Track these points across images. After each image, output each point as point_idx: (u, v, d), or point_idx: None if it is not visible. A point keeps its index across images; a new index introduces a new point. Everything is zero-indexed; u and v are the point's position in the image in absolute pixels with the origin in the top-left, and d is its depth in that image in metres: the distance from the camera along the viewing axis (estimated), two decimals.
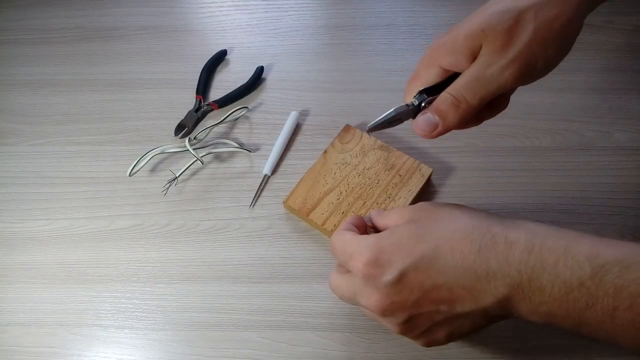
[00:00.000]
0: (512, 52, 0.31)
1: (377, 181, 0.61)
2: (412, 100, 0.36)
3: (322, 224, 0.58)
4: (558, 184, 0.63)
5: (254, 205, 0.63)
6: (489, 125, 0.76)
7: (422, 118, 0.35)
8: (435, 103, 0.34)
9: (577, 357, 0.52)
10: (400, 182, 0.60)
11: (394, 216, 0.37)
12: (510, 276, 0.29)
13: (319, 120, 0.71)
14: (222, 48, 0.78)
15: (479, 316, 0.32)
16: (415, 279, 0.31)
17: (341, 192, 0.60)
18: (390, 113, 0.36)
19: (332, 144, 0.65)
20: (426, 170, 0.61)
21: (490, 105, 0.36)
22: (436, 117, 0.34)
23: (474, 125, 0.38)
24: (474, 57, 0.33)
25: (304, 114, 0.71)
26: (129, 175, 0.64)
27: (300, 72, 0.76)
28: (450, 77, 0.34)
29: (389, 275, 0.32)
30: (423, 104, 0.35)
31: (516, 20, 0.31)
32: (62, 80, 0.77)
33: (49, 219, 0.64)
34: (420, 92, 0.36)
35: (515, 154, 0.65)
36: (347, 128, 0.66)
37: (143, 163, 0.65)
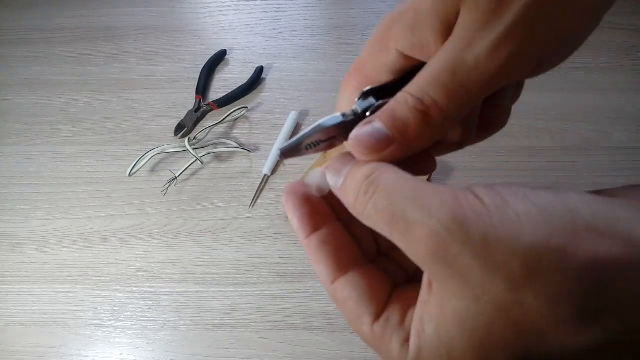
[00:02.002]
0: (508, 17, 0.17)
1: None
2: (354, 107, 0.21)
3: None
4: (558, 184, 0.63)
5: (253, 205, 0.63)
6: None
7: (366, 128, 0.19)
8: (387, 107, 0.19)
9: None
10: None
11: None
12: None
13: None
14: (222, 48, 0.78)
15: None
16: None
17: None
18: (314, 129, 0.20)
19: None
20: None
21: (481, 116, 0.23)
22: (388, 129, 0.19)
23: (453, 150, 0.24)
24: (447, 32, 0.19)
25: (304, 114, 0.71)
26: (129, 175, 0.64)
27: (300, 72, 0.76)
28: (412, 72, 0.20)
29: None
30: (368, 113, 0.20)
31: None
32: (62, 80, 0.77)
33: (48, 219, 0.64)
34: (365, 94, 0.21)
35: (515, 154, 0.65)
36: None
37: (143, 163, 0.65)
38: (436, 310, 0.17)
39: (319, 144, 0.21)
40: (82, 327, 0.56)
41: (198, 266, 0.59)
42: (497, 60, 0.18)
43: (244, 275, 0.58)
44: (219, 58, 0.77)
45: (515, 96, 0.24)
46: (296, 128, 0.70)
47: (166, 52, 0.79)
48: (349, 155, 0.20)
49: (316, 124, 0.20)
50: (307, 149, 0.21)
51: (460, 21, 0.18)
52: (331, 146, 0.21)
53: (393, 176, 0.18)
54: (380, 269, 0.21)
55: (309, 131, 0.20)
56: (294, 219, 0.21)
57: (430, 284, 0.18)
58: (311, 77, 0.75)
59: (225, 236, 0.61)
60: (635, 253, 0.15)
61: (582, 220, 0.15)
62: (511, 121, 0.76)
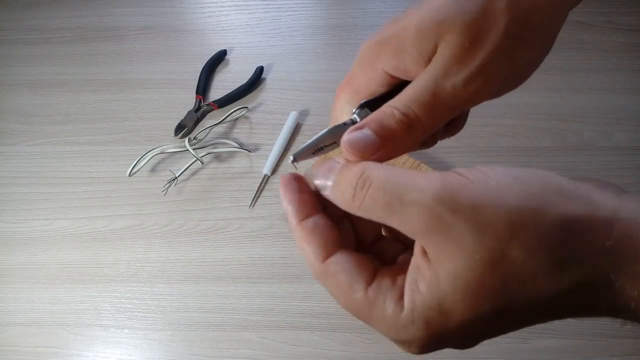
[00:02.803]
0: (479, 57, 0.22)
1: None
2: (352, 116, 0.25)
3: None
4: None
5: (253, 205, 0.63)
6: (489, 125, 0.76)
7: (356, 134, 0.23)
8: (375, 116, 0.23)
9: (576, 357, 0.52)
10: None
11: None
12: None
13: (319, 120, 0.71)
14: (222, 48, 0.78)
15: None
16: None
17: None
18: (321, 136, 0.25)
19: None
20: (426, 170, 0.61)
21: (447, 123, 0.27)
22: (377, 135, 0.23)
23: (426, 148, 0.29)
24: (427, 60, 0.23)
25: (304, 114, 0.71)
26: (129, 175, 0.64)
27: (300, 72, 0.76)
28: (399, 86, 0.25)
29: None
30: None
31: (483, 11, 0.22)
32: (62, 80, 0.77)
33: (48, 219, 0.64)
34: (362, 106, 0.25)
35: (515, 154, 0.65)
36: None
37: (143, 163, 0.65)
38: (430, 272, 0.20)
39: (323, 149, 0.25)
40: (82, 327, 0.56)
41: (198, 266, 0.59)
42: (469, 91, 0.23)
43: (244, 275, 0.58)
44: (219, 58, 0.77)
45: None
46: (296, 128, 0.70)
47: (166, 52, 0.79)
48: (331, 161, 0.24)
49: (324, 131, 0.25)
50: (314, 153, 0.25)
51: (439, 53, 0.23)
52: (334, 147, 0.25)
53: (382, 170, 0.21)
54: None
55: (317, 138, 0.25)
56: (290, 204, 0.23)
57: (424, 252, 0.20)
58: (311, 77, 0.75)
59: (225, 236, 0.61)
60: (594, 211, 0.19)
61: (551, 186, 0.19)
62: (511, 121, 0.76)
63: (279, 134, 0.68)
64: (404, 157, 0.62)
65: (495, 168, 0.20)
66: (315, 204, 0.24)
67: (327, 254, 0.22)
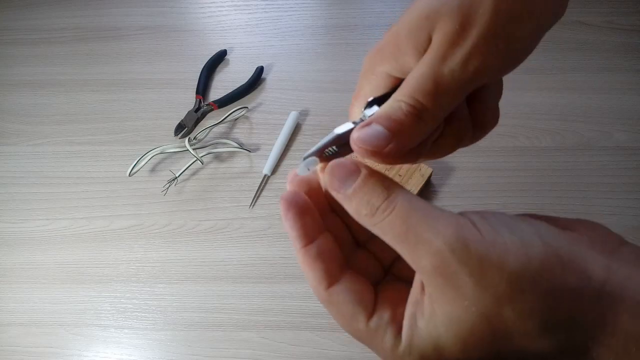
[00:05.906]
0: (472, 37, 0.22)
1: None
2: (361, 115, 0.25)
3: None
4: (558, 184, 0.63)
5: (253, 205, 0.63)
6: None
7: (366, 130, 0.23)
8: (383, 111, 0.23)
9: None
10: (400, 182, 0.60)
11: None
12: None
13: (319, 120, 0.71)
14: (222, 48, 0.78)
15: None
16: None
17: None
18: (331, 136, 0.24)
19: None
20: (426, 171, 0.61)
21: (474, 117, 0.27)
22: (386, 129, 0.23)
23: (455, 149, 0.28)
24: (423, 53, 0.23)
25: (304, 114, 0.71)
26: (129, 175, 0.64)
27: (300, 72, 0.76)
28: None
29: None
30: None
31: None
32: (62, 80, 0.77)
33: (49, 219, 0.64)
34: (370, 103, 0.25)
35: (515, 154, 0.65)
36: None
37: (143, 163, 0.65)
38: (429, 310, 0.21)
39: (335, 152, 0.24)
40: (82, 327, 0.56)
41: (198, 266, 0.59)
42: (467, 72, 0.22)
43: (244, 275, 0.58)
44: (219, 58, 0.77)
45: (498, 94, 0.27)
46: (296, 128, 0.70)
47: (166, 52, 0.79)
48: (350, 164, 0.23)
49: (332, 132, 0.24)
50: (326, 156, 0.24)
51: (432, 42, 0.23)
52: (346, 153, 0.24)
53: (407, 199, 0.22)
54: (361, 271, 0.25)
55: (327, 139, 0.24)
56: (293, 230, 0.23)
57: (422, 288, 0.22)
58: (311, 77, 0.75)
59: (225, 236, 0.61)
60: (585, 284, 0.20)
61: (551, 251, 0.20)
62: (511, 121, 0.76)
63: (279, 134, 0.68)
64: None
65: (504, 221, 0.21)
66: (319, 223, 0.24)
67: (331, 281, 0.23)
